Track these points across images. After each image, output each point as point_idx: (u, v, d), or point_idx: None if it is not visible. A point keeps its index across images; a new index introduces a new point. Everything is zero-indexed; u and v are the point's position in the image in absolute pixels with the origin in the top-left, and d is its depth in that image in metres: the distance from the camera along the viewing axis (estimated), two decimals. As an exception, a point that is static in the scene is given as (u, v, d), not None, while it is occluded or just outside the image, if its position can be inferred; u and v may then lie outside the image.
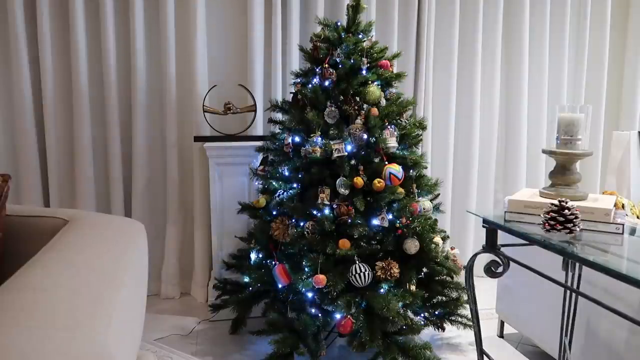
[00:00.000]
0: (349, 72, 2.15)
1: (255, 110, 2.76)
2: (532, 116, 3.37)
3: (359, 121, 2.10)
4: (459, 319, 2.32)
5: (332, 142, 2.09)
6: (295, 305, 2.22)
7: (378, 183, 2.07)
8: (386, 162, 2.11)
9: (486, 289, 2.99)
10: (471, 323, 2.12)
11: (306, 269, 2.09)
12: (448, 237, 2.40)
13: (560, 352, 1.76)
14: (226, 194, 2.68)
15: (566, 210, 1.35)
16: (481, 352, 1.74)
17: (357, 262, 2.02)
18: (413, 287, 2.10)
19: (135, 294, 0.95)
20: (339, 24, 2.31)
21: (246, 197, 2.70)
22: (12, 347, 0.57)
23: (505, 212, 1.54)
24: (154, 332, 2.50)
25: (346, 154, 2.09)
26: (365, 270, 2.00)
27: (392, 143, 2.14)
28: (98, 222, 1.17)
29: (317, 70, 2.23)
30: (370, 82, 2.11)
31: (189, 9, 2.77)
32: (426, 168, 2.39)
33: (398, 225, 2.12)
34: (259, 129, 2.87)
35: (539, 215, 1.46)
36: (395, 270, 2.03)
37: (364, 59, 2.13)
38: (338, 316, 2.04)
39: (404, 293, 2.04)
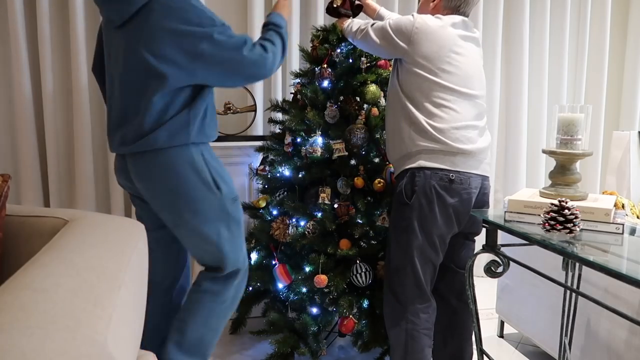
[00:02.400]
0: (348, 72, 2.15)
1: (255, 110, 2.75)
2: (532, 116, 3.36)
3: (359, 121, 2.10)
4: (459, 319, 2.32)
5: (332, 142, 2.09)
6: (296, 305, 2.22)
7: (378, 183, 2.07)
8: (387, 162, 2.11)
9: (486, 289, 2.99)
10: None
11: (307, 269, 2.09)
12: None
13: (560, 352, 1.76)
14: (226, 194, 2.68)
15: (566, 210, 1.35)
16: (481, 352, 1.74)
17: (357, 261, 2.02)
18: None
19: (135, 294, 0.95)
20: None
21: (246, 197, 2.70)
22: (12, 347, 0.57)
23: (505, 212, 1.54)
24: (154, 332, 2.49)
25: (346, 153, 2.09)
26: (366, 270, 2.00)
27: (392, 143, 2.13)
28: (98, 222, 1.17)
29: (317, 70, 2.23)
30: (369, 81, 2.11)
31: (189, 9, 2.76)
32: (426, 168, 2.38)
33: (398, 225, 2.12)
34: (259, 129, 2.87)
35: (539, 215, 1.46)
36: (396, 270, 2.03)
37: (363, 59, 2.13)
38: (339, 316, 2.04)
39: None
